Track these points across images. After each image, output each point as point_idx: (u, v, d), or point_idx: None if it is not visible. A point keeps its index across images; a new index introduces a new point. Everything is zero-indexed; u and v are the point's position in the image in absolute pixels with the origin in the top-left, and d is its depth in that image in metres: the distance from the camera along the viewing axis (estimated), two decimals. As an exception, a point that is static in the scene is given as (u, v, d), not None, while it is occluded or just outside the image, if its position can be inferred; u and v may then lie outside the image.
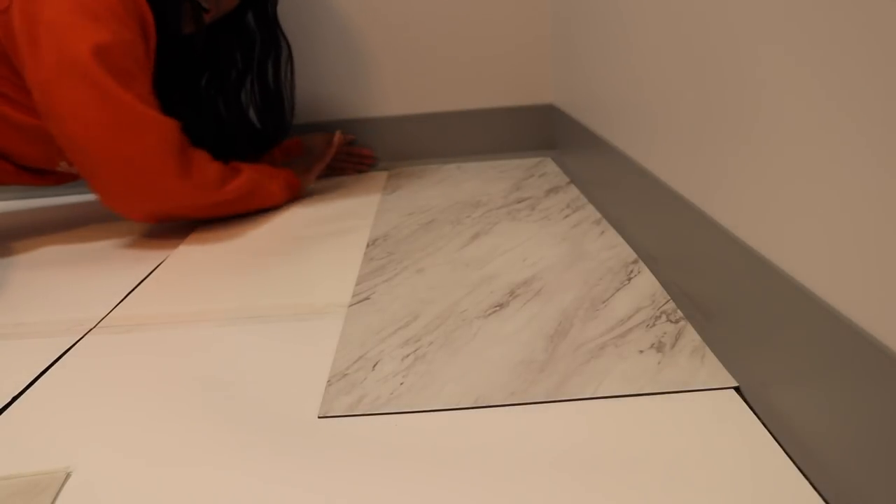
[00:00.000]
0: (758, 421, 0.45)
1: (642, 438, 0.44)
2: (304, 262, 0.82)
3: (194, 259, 0.86)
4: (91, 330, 0.67)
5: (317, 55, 1.28)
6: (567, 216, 0.91)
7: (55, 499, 0.43)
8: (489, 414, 0.48)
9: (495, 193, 1.06)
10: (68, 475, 0.45)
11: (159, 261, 0.87)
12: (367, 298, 0.70)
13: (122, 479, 0.44)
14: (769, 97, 0.45)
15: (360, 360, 0.57)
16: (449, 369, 0.54)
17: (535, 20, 1.27)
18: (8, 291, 0.80)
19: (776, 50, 0.43)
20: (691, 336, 0.56)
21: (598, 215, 0.90)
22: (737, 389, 0.49)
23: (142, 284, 0.79)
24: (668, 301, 0.63)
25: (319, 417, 0.49)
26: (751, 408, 0.46)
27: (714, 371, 0.51)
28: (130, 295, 0.76)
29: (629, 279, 0.69)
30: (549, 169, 1.20)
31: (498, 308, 0.65)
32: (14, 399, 0.55)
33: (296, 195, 1.12)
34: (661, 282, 0.67)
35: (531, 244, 0.81)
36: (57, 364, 0.61)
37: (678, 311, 0.61)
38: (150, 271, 0.83)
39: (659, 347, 0.55)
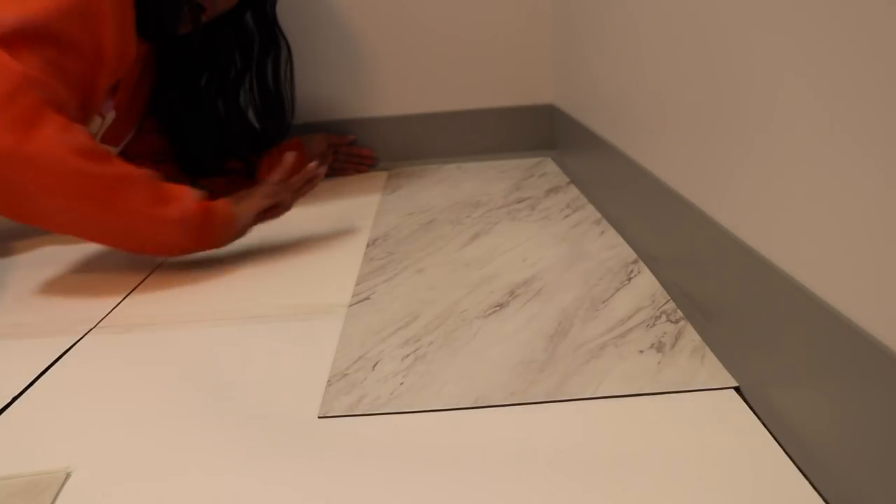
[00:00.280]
0: (758, 421, 0.45)
1: (642, 438, 0.44)
2: (304, 262, 0.82)
3: (194, 259, 0.86)
4: (91, 330, 0.67)
5: (317, 55, 1.28)
6: (567, 216, 0.91)
7: (55, 499, 0.43)
8: (489, 414, 0.48)
9: (495, 193, 1.06)
10: (68, 475, 0.45)
11: (159, 261, 0.86)
12: (367, 298, 0.70)
13: (122, 479, 0.44)
14: (769, 97, 0.45)
15: (360, 360, 0.57)
16: (449, 369, 0.54)
17: (536, 20, 1.27)
18: (8, 292, 0.80)
19: (775, 49, 0.43)
20: (691, 336, 0.56)
21: (598, 215, 0.90)
22: (737, 389, 0.49)
23: (142, 285, 0.79)
24: (668, 301, 0.63)
25: (319, 417, 0.49)
26: (751, 408, 0.46)
27: (714, 371, 0.51)
28: (130, 295, 0.76)
29: (629, 279, 0.69)
30: (549, 169, 1.20)
31: (498, 308, 0.65)
32: (14, 399, 0.55)
33: (213, 236, 0.81)
34: (661, 282, 0.67)
35: (531, 244, 0.81)
36: (57, 364, 0.61)
37: (678, 311, 0.61)
38: (149, 272, 0.83)
39: (659, 347, 0.55)
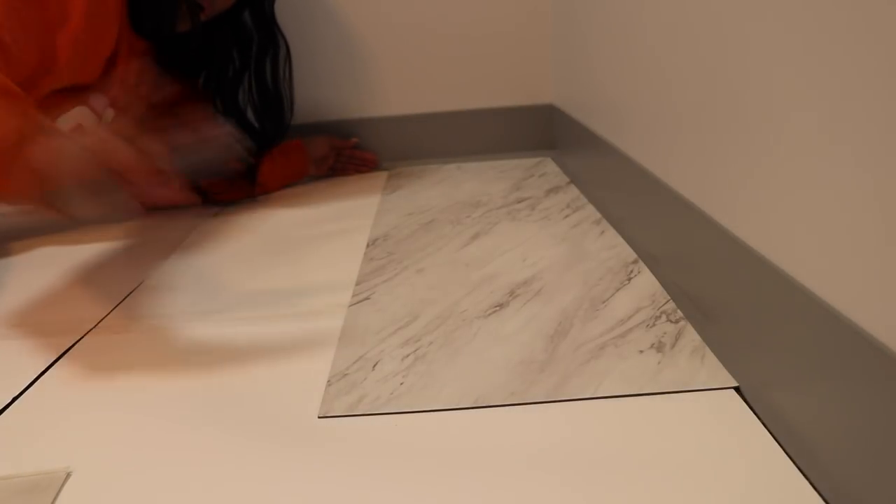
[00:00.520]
0: (758, 421, 0.45)
1: (642, 438, 0.44)
2: (304, 263, 0.82)
3: (194, 260, 0.86)
4: (91, 330, 0.67)
5: (318, 55, 1.28)
6: (567, 216, 0.91)
7: (55, 499, 0.43)
8: (489, 414, 0.48)
9: (495, 193, 1.06)
10: (68, 475, 0.45)
11: (159, 261, 0.87)
12: (367, 298, 0.70)
13: (122, 479, 0.44)
14: (769, 97, 0.45)
15: (360, 360, 0.57)
16: (449, 369, 0.54)
17: (536, 20, 1.27)
18: (7, 292, 0.80)
19: (775, 49, 0.43)
20: (691, 336, 0.56)
21: (598, 215, 0.90)
22: (737, 389, 0.49)
23: (142, 285, 0.79)
24: (668, 301, 0.63)
25: (319, 417, 0.49)
26: (751, 408, 0.46)
27: (714, 371, 0.51)
28: (130, 295, 0.76)
29: (629, 279, 0.69)
30: (549, 169, 1.20)
31: (498, 308, 0.65)
32: (14, 399, 0.55)
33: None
34: (661, 282, 0.67)
35: (531, 244, 0.81)
36: (57, 364, 0.61)
37: (678, 311, 0.61)
38: (149, 272, 0.83)
39: (659, 347, 0.55)
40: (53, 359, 0.62)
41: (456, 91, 1.31)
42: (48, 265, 0.88)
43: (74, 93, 0.89)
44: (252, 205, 1.12)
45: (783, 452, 0.42)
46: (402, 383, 0.53)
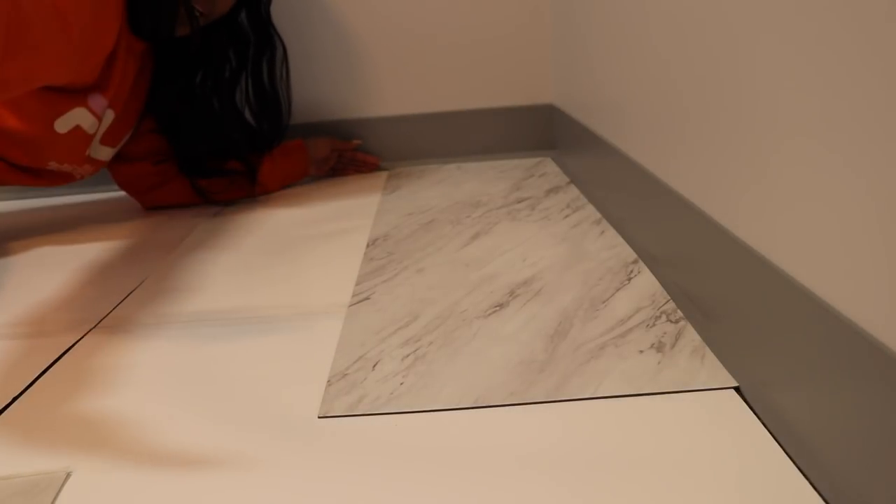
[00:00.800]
0: (758, 421, 0.45)
1: (642, 439, 0.44)
2: (304, 263, 0.82)
3: (194, 259, 0.86)
4: (91, 330, 0.67)
5: (317, 55, 1.28)
6: (567, 216, 0.91)
7: (55, 499, 0.43)
8: (489, 414, 0.48)
9: (495, 193, 1.06)
10: (68, 475, 0.45)
11: (159, 261, 0.87)
12: (367, 298, 0.70)
13: (122, 479, 0.44)
14: (769, 97, 0.45)
15: (360, 360, 0.57)
16: (449, 369, 0.54)
17: (536, 20, 1.27)
18: (7, 292, 0.80)
19: (777, 49, 0.43)
20: (691, 336, 0.56)
21: (598, 215, 0.90)
22: (737, 389, 0.49)
23: (142, 285, 0.79)
24: (668, 301, 0.63)
25: (319, 417, 0.49)
26: (751, 408, 0.46)
27: (714, 371, 0.51)
28: (130, 295, 0.76)
29: (629, 279, 0.69)
30: (549, 169, 1.20)
31: (498, 308, 0.65)
32: (14, 399, 0.55)
33: None
34: (661, 282, 0.67)
35: (531, 244, 0.81)
36: (57, 364, 0.61)
37: (678, 311, 0.61)
38: (149, 271, 0.83)
39: (659, 347, 0.55)
40: (53, 359, 0.62)
41: (456, 91, 1.31)
42: (47, 265, 0.88)
43: (73, 93, 0.89)
44: (252, 205, 1.12)
45: (783, 452, 0.42)
46: (402, 383, 0.53)
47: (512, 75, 1.30)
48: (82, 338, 0.66)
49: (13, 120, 0.87)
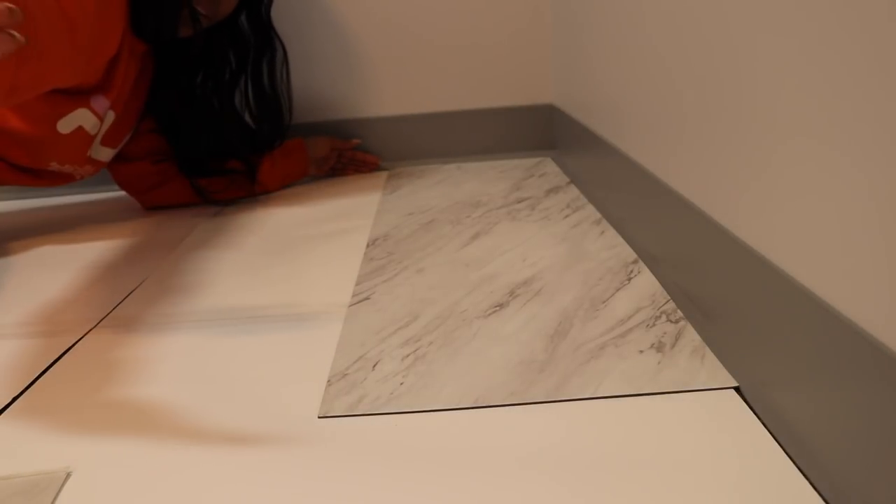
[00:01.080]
0: (758, 421, 0.45)
1: (642, 439, 0.44)
2: (304, 262, 0.82)
3: (194, 259, 0.86)
4: (91, 330, 0.67)
5: (317, 55, 1.28)
6: (567, 216, 0.91)
7: (55, 499, 0.43)
8: (489, 414, 0.48)
9: (495, 193, 1.06)
10: (68, 475, 0.45)
11: (159, 261, 0.87)
12: (367, 298, 0.70)
13: (122, 479, 0.44)
14: (770, 97, 0.45)
15: (360, 360, 0.57)
16: (449, 369, 0.54)
17: (536, 20, 1.27)
18: (7, 292, 0.80)
19: (777, 50, 0.43)
20: (691, 336, 0.56)
21: (598, 215, 0.90)
22: (737, 389, 0.49)
23: (142, 284, 0.79)
24: (668, 301, 0.63)
25: (319, 417, 0.49)
26: (751, 408, 0.46)
27: (714, 371, 0.51)
28: (130, 295, 0.76)
29: (629, 279, 0.69)
30: (549, 169, 1.20)
31: (498, 308, 0.65)
32: (14, 399, 0.55)
33: None
34: (661, 282, 0.67)
35: (531, 244, 0.81)
36: (57, 364, 0.61)
37: (678, 311, 0.61)
38: (150, 271, 0.83)
39: (659, 347, 0.55)
40: (53, 359, 0.62)
41: (456, 91, 1.31)
42: (47, 265, 0.88)
43: (76, 95, 0.89)
44: (252, 204, 1.12)
45: (783, 452, 0.42)
46: (402, 383, 0.53)
47: (512, 75, 1.30)
48: (82, 338, 0.66)
49: (16, 120, 0.87)
